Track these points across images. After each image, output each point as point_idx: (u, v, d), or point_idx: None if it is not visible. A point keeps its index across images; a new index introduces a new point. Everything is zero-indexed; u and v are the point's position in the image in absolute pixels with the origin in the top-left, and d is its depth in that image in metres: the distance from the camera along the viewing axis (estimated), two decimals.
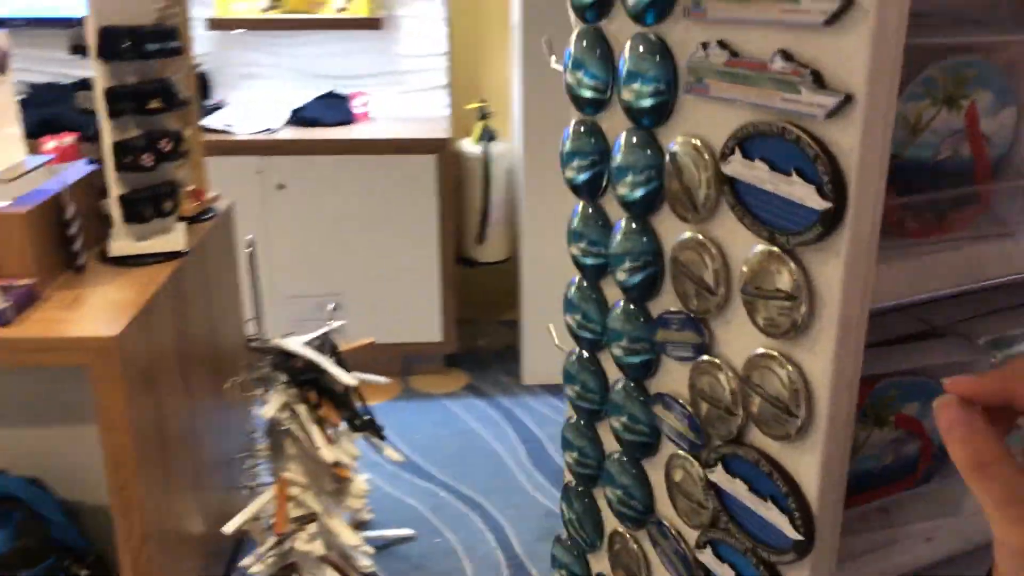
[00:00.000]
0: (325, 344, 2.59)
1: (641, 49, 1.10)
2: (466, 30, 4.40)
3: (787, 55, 0.91)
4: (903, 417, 1.08)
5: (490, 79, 4.53)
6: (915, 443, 1.11)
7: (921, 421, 1.10)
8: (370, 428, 2.68)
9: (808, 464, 0.99)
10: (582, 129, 1.25)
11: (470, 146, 4.24)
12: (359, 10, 3.93)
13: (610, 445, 1.34)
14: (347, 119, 4.09)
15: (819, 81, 0.88)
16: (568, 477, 1.46)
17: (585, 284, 1.31)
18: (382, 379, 2.75)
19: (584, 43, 1.21)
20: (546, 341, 4.39)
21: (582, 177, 1.26)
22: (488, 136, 4.24)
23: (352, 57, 4.20)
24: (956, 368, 1.10)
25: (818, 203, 0.89)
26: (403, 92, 4.24)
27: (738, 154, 0.98)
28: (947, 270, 1.00)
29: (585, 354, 1.34)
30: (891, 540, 1.09)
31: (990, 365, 1.09)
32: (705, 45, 1.01)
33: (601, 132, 1.23)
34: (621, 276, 1.20)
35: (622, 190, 1.17)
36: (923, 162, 0.93)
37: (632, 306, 1.21)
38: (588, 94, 1.21)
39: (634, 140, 1.15)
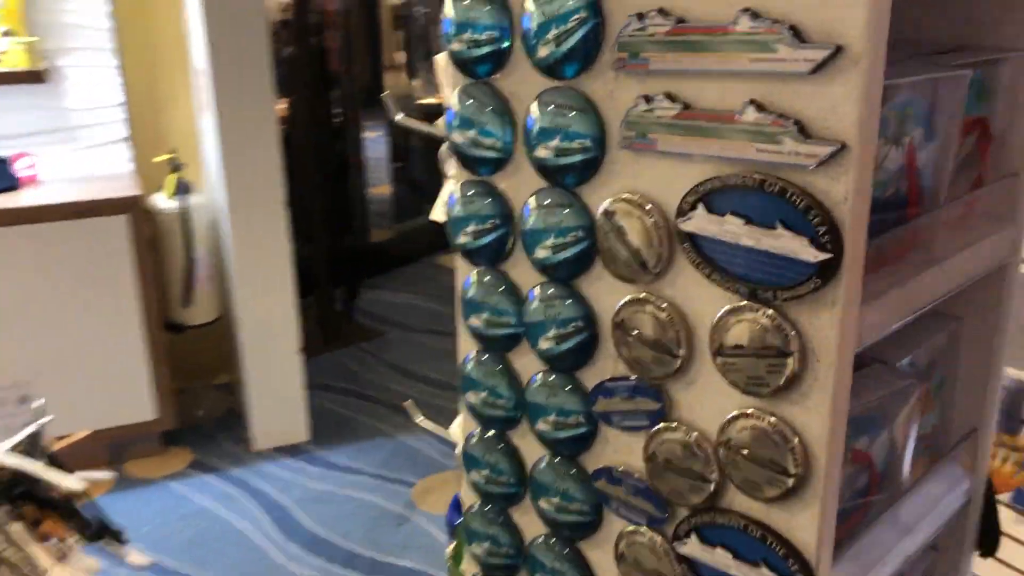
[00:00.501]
0: (34, 446, 2.26)
1: (557, 104, 1.05)
2: (142, 78, 4.08)
3: (759, 105, 0.89)
4: (857, 452, 1.11)
5: (175, 128, 4.24)
6: (865, 475, 1.14)
7: (870, 453, 1.13)
8: (107, 533, 2.37)
9: (804, 520, 0.98)
10: (474, 192, 1.17)
11: (164, 201, 3.93)
12: (16, 63, 3.50)
13: (532, 529, 1.26)
14: (11, 185, 3.64)
15: (803, 131, 0.87)
16: (473, 570, 1.35)
17: (488, 358, 1.22)
18: (106, 474, 2.45)
19: (473, 100, 1.13)
20: (274, 401, 4.20)
21: (480, 243, 1.18)
22: (183, 189, 3.96)
23: (10, 115, 3.73)
24: (897, 397, 1.14)
25: (813, 255, 0.88)
26: (77, 150, 3.84)
27: (701, 209, 0.95)
28: (900, 303, 1.03)
29: (492, 434, 1.25)
30: (862, 571, 1.11)
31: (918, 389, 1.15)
32: (648, 98, 0.97)
33: (500, 193, 1.15)
34: (545, 345, 1.13)
35: (541, 253, 1.11)
36: (876, 200, 0.95)
37: (558, 377, 1.14)
38: (485, 154, 1.14)
39: (549, 201, 1.09)
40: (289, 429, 4.07)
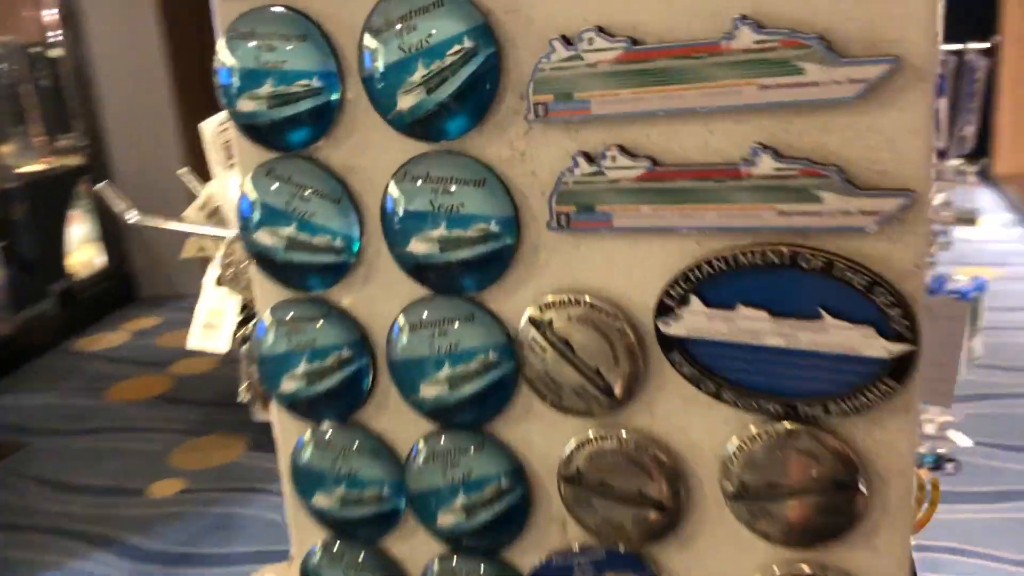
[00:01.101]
0: None
1: (434, 178, 0.73)
2: None
3: (777, 152, 0.62)
4: None
5: None
6: None
7: None
8: None
9: None
10: (299, 314, 0.82)
11: None
12: None
13: None
14: None
15: (849, 180, 0.62)
16: None
17: (345, 550, 0.86)
18: None
19: (282, 183, 0.78)
20: None
21: (320, 388, 0.81)
22: None
23: None
24: None
25: (885, 348, 0.64)
26: None
27: (696, 304, 0.67)
28: None
29: None
30: None
31: None
32: (590, 156, 0.67)
33: (344, 312, 0.79)
34: (448, 521, 0.80)
35: (429, 391, 0.77)
36: None
37: (471, 561, 0.81)
38: (316, 259, 0.77)
39: (433, 314, 0.77)
40: None
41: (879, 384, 0.66)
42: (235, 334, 1.02)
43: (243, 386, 1.04)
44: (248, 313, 1.01)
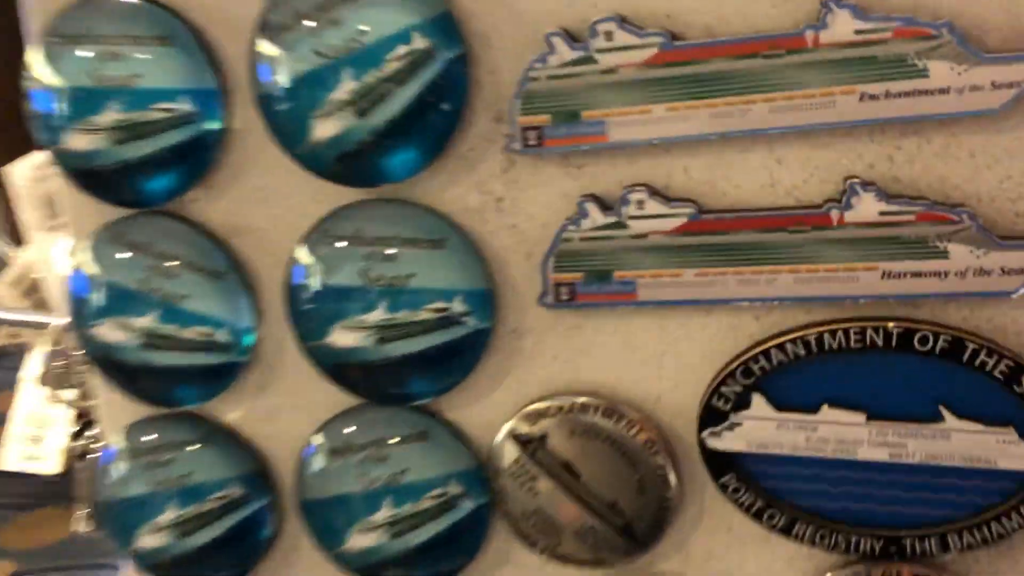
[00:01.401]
0: None
1: (367, 238, 0.49)
2: None
3: (881, 190, 0.42)
4: None
5: None
6: None
7: None
8: None
9: None
10: (160, 439, 0.55)
11: None
12: None
13: None
14: None
15: (983, 227, 0.41)
16: None
17: None
18: None
19: (136, 253, 0.51)
20: None
21: (197, 542, 0.55)
22: None
23: None
24: None
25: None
26: None
27: (760, 405, 0.45)
28: None
29: None
30: None
31: None
32: (604, 203, 0.44)
33: (231, 435, 0.53)
34: None
35: (359, 541, 0.53)
36: None
37: None
38: (185, 360, 0.51)
39: (363, 433, 0.53)
40: None
41: (1020, 505, 0.45)
42: (68, 448, 0.73)
43: (82, 512, 0.75)
44: (87, 420, 0.72)
